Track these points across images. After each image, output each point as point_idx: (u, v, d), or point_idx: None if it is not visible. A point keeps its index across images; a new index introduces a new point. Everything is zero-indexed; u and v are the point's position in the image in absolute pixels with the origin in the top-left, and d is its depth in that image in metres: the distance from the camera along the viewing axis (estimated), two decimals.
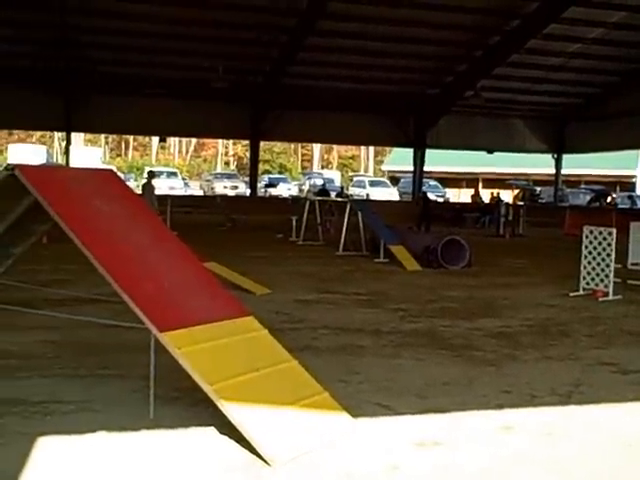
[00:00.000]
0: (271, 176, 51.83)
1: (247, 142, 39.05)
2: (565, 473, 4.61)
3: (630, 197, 42.71)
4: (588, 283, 11.97)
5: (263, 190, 42.01)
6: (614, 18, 26.64)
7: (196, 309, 5.75)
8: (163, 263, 6.21)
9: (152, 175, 22.18)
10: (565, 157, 39.27)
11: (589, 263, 11.97)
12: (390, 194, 42.78)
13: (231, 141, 66.60)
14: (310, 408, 5.17)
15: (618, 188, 48.86)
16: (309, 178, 50.66)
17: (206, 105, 31.34)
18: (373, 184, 45.74)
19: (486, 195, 36.77)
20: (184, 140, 69.46)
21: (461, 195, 46.59)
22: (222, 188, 42.10)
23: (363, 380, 6.48)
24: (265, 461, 4.55)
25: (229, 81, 28.89)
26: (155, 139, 60.27)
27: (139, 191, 19.46)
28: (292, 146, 70.95)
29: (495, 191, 34.81)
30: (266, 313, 8.87)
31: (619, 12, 25.98)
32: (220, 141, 67.54)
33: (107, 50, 28.10)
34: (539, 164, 43.29)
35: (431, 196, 38.14)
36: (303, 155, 76.48)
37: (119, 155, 72.40)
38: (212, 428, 5.01)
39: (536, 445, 5.05)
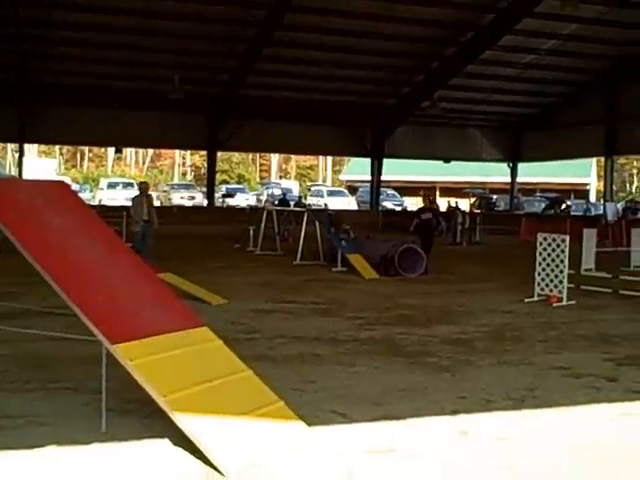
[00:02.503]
0: (229, 186, 51.63)
1: (204, 152, 38.85)
2: (518, 478, 4.64)
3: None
4: (542, 289, 12.13)
5: (221, 200, 41.82)
6: (567, 30, 27.23)
7: (149, 320, 5.68)
8: (115, 275, 6.13)
9: (146, 187, 17.19)
10: (520, 165, 39.93)
11: (543, 269, 12.13)
12: (348, 203, 42.90)
13: (188, 152, 66.22)
14: (265, 417, 5.14)
15: (572, 196, 49.68)
16: (267, 188, 50.62)
17: (162, 116, 31.22)
18: (331, 194, 45.85)
19: (443, 204, 37.02)
20: (140, 151, 68.89)
21: (418, 204, 46.86)
22: (179, 199, 41.82)
23: (319, 388, 6.46)
24: (219, 472, 4.52)
25: (185, 91, 28.79)
26: (111, 150, 59.59)
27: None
28: (250, 156, 70.78)
29: (452, 199, 35.06)
30: (222, 323, 8.84)
31: (572, 24, 26.53)
32: (177, 151, 67.12)
33: (61, 61, 27.86)
34: (495, 173, 43.89)
35: (388, 205, 38.36)
36: (261, 165, 76.38)
37: (74, 166, 71.47)
38: (166, 440, 4.95)
39: (490, 450, 5.08)
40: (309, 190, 51.63)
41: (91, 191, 50.07)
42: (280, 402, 5.37)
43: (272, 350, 7.94)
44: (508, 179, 40.61)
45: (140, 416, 5.40)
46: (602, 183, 40.14)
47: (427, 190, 32.77)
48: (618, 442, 5.29)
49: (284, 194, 39.31)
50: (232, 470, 4.53)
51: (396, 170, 43.41)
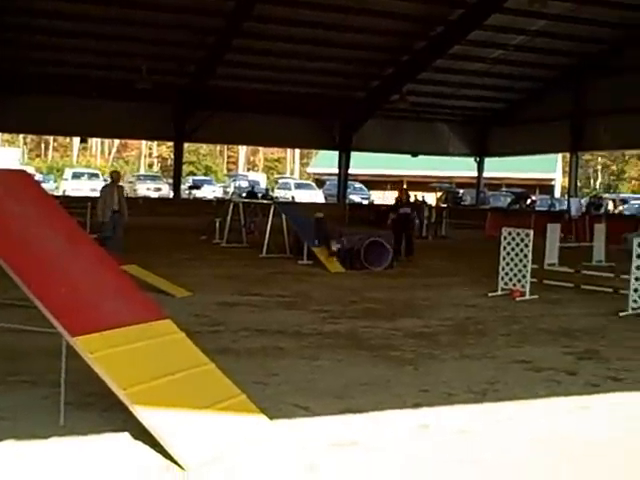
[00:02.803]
0: (196, 178, 51.33)
1: (171, 143, 38.54)
2: (479, 470, 4.68)
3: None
4: (506, 283, 12.26)
5: (187, 192, 41.57)
6: (535, 26, 27.43)
7: (111, 313, 5.63)
8: (77, 266, 6.06)
9: (118, 176, 17.48)
10: (487, 160, 40.20)
11: (507, 264, 12.25)
12: (316, 196, 42.91)
13: (155, 142, 65.68)
14: (227, 411, 5.12)
15: (538, 191, 50.18)
16: (234, 180, 50.42)
17: (129, 106, 30.89)
18: (299, 186, 45.84)
19: (400, 196, 37.16)
20: (106, 141, 68.17)
21: (385, 197, 47.06)
22: (145, 190, 41.46)
23: (282, 382, 6.46)
24: (180, 465, 4.49)
25: (153, 82, 28.51)
26: (76, 140, 58.93)
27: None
28: (218, 148, 70.46)
29: (419, 194, 35.22)
30: (186, 316, 8.80)
31: (540, 20, 26.75)
32: (144, 142, 66.53)
33: (25, 48, 27.39)
34: (462, 167, 44.17)
35: (355, 198, 38.33)
36: (229, 157, 76.04)
37: (38, 156, 70.51)
38: (126, 433, 4.91)
39: (451, 443, 5.13)
40: (276, 183, 51.54)
41: (55, 181, 49.40)
42: (242, 395, 5.35)
43: (236, 343, 7.91)
44: (475, 174, 40.89)
45: (100, 409, 5.35)
46: (567, 179, 40.54)
47: (397, 184, 32.95)
48: (577, 435, 5.37)
49: (252, 186, 39.20)
50: (193, 464, 4.51)
51: (364, 163, 43.49)
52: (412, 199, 21.68)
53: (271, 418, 5.27)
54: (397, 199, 19.31)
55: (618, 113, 29.95)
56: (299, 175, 67.54)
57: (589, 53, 30.37)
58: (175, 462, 4.51)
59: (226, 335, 8.31)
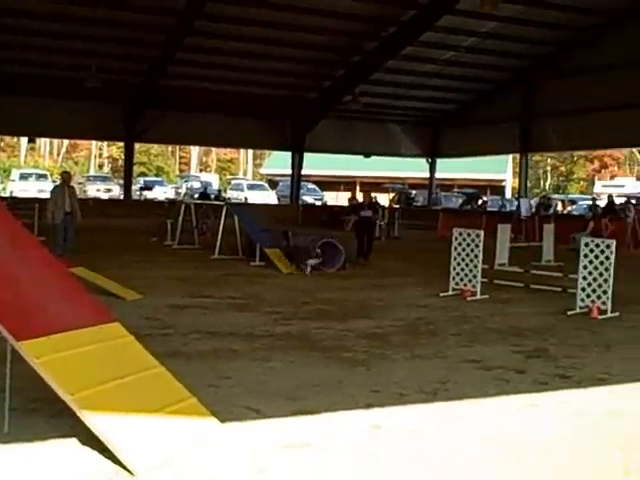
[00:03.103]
0: (147, 179, 50.82)
1: (122, 144, 38.06)
2: (431, 469, 4.70)
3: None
4: (457, 283, 12.37)
5: (138, 193, 41.13)
6: (486, 28, 27.77)
7: (58, 316, 5.52)
8: (23, 269, 5.92)
9: (69, 177, 16.95)
10: (439, 161, 40.56)
11: (458, 264, 12.37)
12: (268, 197, 42.85)
13: (105, 143, 64.80)
14: (176, 414, 5.06)
15: (489, 191, 50.81)
16: (186, 181, 50.07)
17: (79, 105, 30.40)
18: (251, 187, 45.71)
19: (363, 199, 37.36)
20: (55, 141, 67.02)
21: (339, 198, 47.21)
22: (95, 191, 40.93)
23: (234, 384, 6.41)
24: (129, 470, 4.42)
25: (103, 80, 28.11)
26: (24, 140, 57.79)
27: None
28: (170, 148, 69.83)
29: (371, 194, 35.37)
30: (136, 319, 8.69)
31: (490, 22, 27.10)
32: (94, 143, 65.59)
33: None
34: (414, 168, 44.47)
35: (308, 199, 38.28)
36: (181, 158, 75.43)
37: None
38: (73, 439, 4.82)
39: (402, 443, 5.14)
40: (229, 184, 51.29)
41: (2, 182, 48.42)
42: (193, 398, 5.30)
43: (186, 346, 7.83)
44: (427, 174, 41.23)
45: (47, 415, 5.24)
46: (517, 180, 41.11)
47: (348, 186, 33.03)
48: (526, 433, 5.43)
49: (205, 187, 38.95)
50: (142, 468, 4.44)
51: (317, 164, 43.52)
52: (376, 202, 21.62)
53: (222, 421, 5.23)
54: (351, 200, 19.34)
55: (566, 115, 30.52)
56: (252, 176, 67.30)
57: (538, 55, 30.87)
58: (124, 467, 4.44)
59: (177, 338, 8.22)
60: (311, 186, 47.77)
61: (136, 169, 48.13)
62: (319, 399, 6.05)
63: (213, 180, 53.98)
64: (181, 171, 69.54)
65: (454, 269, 12.39)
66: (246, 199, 40.58)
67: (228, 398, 5.94)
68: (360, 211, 18.29)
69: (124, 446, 4.55)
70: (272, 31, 26.47)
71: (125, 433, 4.68)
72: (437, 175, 41.31)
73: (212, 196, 32.10)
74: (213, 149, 69.46)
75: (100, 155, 72.25)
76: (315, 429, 5.33)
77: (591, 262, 10.83)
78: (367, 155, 39.30)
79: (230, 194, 43.24)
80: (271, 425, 5.38)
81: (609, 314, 10.59)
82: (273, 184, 51.11)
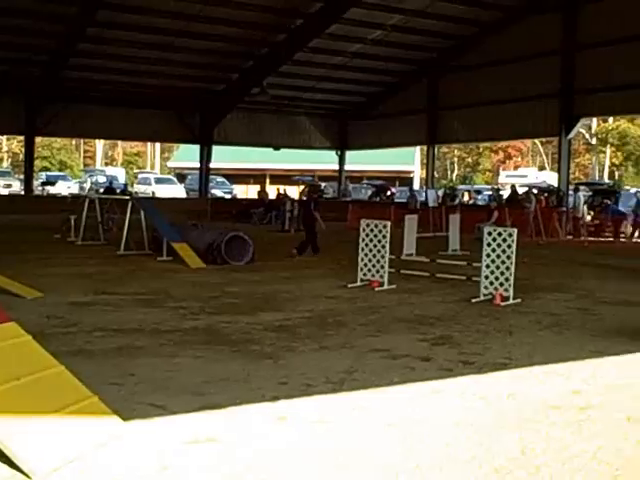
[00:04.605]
0: (49, 173, 49.39)
1: (22, 138, 36.82)
2: (334, 458, 4.72)
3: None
4: (365, 274, 12.48)
5: (40, 188, 39.91)
6: (392, 21, 28.15)
7: None
8: None
9: None
10: (348, 153, 40.90)
11: (366, 255, 12.48)
12: (177, 191, 42.30)
13: (4, 137, 62.54)
14: (77, 414, 4.92)
15: (398, 183, 51.56)
16: (91, 175, 48.88)
17: None
18: (159, 181, 45.02)
19: (273, 191, 37.37)
20: None
21: (249, 191, 47.06)
22: None
23: (138, 381, 6.29)
24: (26, 474, 4.27)
25: (1, 72, 27.10)
26: None
27: None
28: (74, 142, 67.99)
29: (281, 187, 35.42)
30: (36, 317, 8.45)
31: (397, 15, 27.50)
32: None
33: None
34: (324, 160, 44.73)
35: (218, 192, 37.97)
36: (86, 151, 73.57)
37: None
38: None
39: (308, 433, 5.15)
40: (136, 178, 50.37)
41: None
42: (94, 397, 5.16)
43: (90, 344, 7.63)
44: (337, 167, 41.53)
45: None
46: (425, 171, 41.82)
47: (258, 179, 32.82)
48: (429, 418, 5.52)
49: (110, 182, 38.12)
50: (40, 471, 4.30)
51: (226, 157, 43.24)
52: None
53: (125, 419, 5.12)
54: (261, 193, 19.25)
55: (470, 107, 31.27)
56: (160, 170, 66.25)
57: (443, 48, 31.48)
58: (20, 471, 4.29)
59: (80, 336, 8.00)
60: (220, 179, 47.43)
61: (38, 163, 46.76)
62: (225, 393, 6.00)
63: (119, 174, 52.88)
64: (86, 165, 67.87)
65: (362, 260, 12.50)
66: (153, 193, 39.95)
67: (132, 396, 5.83)
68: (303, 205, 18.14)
69: (21, 449, 4.40)
70: (178, 22, 26.14)
71: (23, 436, 4.51)
72: (346, 167, 41.68)
73: (118, 190, 31.41)
74: (119, 142, 67.98)
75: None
76: (220, 423, 5.28)
77: (494, 250, 11.12)
78: (276, 148, 39.28)
79: (137, 188, 42.52)
80: (176, 421, 5.30)
81: (511, 301, 10.91)
82: (182, 178, 50.46)
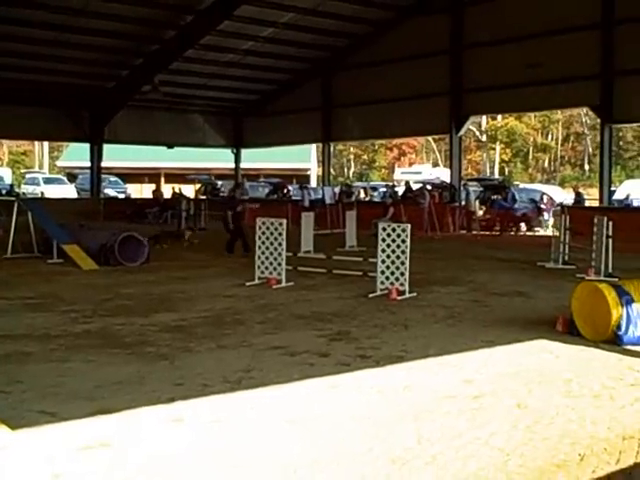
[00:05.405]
0: None
1: None
2: (231, 457, 4.68)
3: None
4: (263, 272, 12.44)
5: None
6: (284, 18, 28.15)
7: None
8: None
9: None
10: (245, 151, 40.67)
11: (263, 253, 12.44)
12: (68, 191, 41.04)
13: None
14: None
15: (295, 181, 51.67)
16: None
17: None
18: (48, 181, 43.55)
19: (168, 190, 36.79)
20: None
21: (143, 191, 46.15)
22: None
23: (26, 389, 6.05)
24: None
25: None
26: None
27: None
28: None
29: (176, 186, 34.91)
30: None
31: (289, 13, 27.53)
32: None
33: None
34: (220, 158, 44.32)
35: (110, 192, 37.09)
36: None
37: None
38: None
39: (205, 434, 5.09)
40: (24, 178, 48.54)
41: None
42: None
43: None
44: (233, 165, 41.26)
45: None
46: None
47: (152, 177, 32.19)
48: (327, 412, 5.55)
49: None
50: None
51: (119, 156, 42.19)
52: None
53: (13, 428, 4.94)
54: (156, 192, 18.89)
55: (363, 105, 31.66)
56: (49, 169, 63.98)
57: (337, 46, 31.72)
58: None
59: None
60: (113, 179, 46.31)
61: None
62: (120, 397, 5.85)
63: (5, 174, 50.73)
64: None
65: (259, 258, 12.46)
66: (42, 194, 38.62)
67: (20, 404, 5.61)
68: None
69: None
70: (64, 17, 25.28)
71: None
72: (243, 165, 41.45)
73: (4, 191, 30.17)
74: (4, 141, 65.31)
75: None
76: (114, 428, 5.14)
77: (389, 246, 11.29)
78: (170, 146, 38.61)
79: (25, 189, 41.01)
80: (67, 428, 5.14)
81: (407, 295, 11.10)
82: (72, 177, 48.93)
